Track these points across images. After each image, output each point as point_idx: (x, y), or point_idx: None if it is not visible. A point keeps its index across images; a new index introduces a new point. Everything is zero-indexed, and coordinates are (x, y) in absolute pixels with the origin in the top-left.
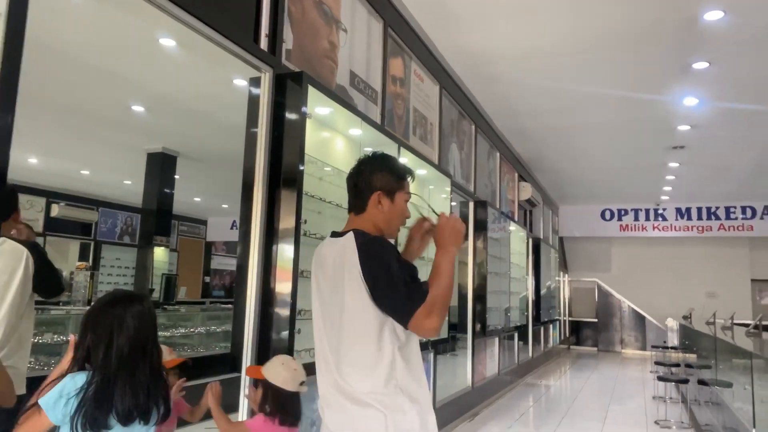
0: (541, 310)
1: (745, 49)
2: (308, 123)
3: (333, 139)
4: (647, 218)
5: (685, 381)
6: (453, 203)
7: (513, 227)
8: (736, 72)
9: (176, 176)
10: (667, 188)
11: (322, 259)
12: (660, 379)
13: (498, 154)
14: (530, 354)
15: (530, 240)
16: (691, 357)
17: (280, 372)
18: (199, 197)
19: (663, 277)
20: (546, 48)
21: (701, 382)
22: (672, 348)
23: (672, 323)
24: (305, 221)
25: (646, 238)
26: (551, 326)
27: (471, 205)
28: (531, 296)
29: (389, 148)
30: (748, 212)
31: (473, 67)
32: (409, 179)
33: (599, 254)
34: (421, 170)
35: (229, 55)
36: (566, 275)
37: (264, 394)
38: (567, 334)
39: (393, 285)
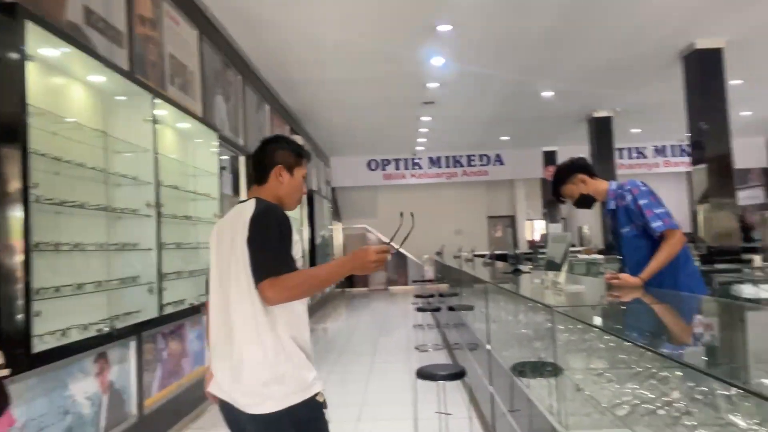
0: (317, 258)
1: (482, 15)
2: (31, 66)
3: (69, 87)
4: (406, 167)
5: (438, 309)
6: (223, 157)
7: None
8: (475, 36)
9: None
10: (422, 140)
11: (224, 223)
12: (418, 309)
13: (268, 107)
14: (308, 300)
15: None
16: (444, 287)
17: None
18: None
19: (420, 219)
20: None
21: (450, 309)
22: (429, 281)
23: (427, 259)
24: (36, 184)
25: (406, 186)
26: None
27: (242, 159)
28: (307, 245)
29: (141, 98)
30: (485, 159)
31: (234, 12)
32: (304, 161)
33: (367, 202)
34: (184, 123)
35: None
36: (339, 223)
37: None
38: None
39: (266, 244)
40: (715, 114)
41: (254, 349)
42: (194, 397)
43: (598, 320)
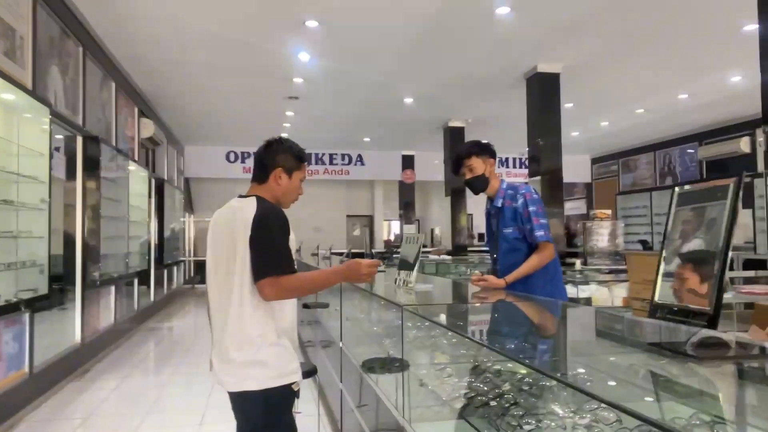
0: (165, 253)
1: (349, 15)
2: None
3: None
4: None
5: None
6: (57, 136)
7: (133, 167)
8: (342, 34)
9: None
10: (284, 135)
11: (220, 217)
12: None
13: (114, 85)
14: (152, 298)
15: (153, 181)
16: None
17: None
18: None
19: None
20: None
21: (305, 306)
22: None
23: None
24: None
25: None
26: (175, 268)
27: (79, 140)
28: (154, 239)
29: None
30: (346, 159)
31: None
32: (304, 165)
33: (224, 195)
34: (7, 94)
35: None
36: (191, 216)
37: None
38: (192, 274)
39: (268, 244)
40: (551, 132)
41: (243, 336)
42: (10, 405)
43: (443, 318)
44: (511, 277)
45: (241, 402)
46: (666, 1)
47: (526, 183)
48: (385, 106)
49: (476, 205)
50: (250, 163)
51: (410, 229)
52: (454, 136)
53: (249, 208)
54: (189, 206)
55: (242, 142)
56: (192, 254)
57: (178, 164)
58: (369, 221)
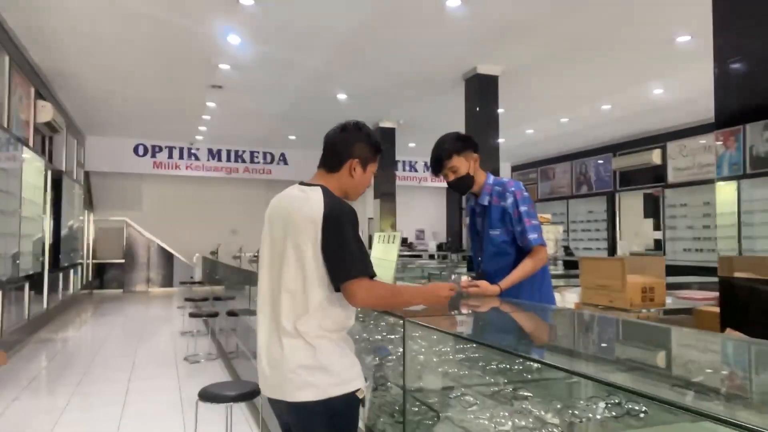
0: (61, 254)
1: None
2: None
3: None
4: (181, 157)
5: (215, 315)
6: None
7: (27, 155)
8: (279, 17)
9: None
10: (203, 128)
11: (280, 207)
12: (192, 315)
13: (7, 59)
14: (45, 305)
15: (50, 173)
16: (218, 289)
17: None
18: None
19: (192, 215)
20: None
21: (231, 314)
22: (199, 283)
23: (198, 259)
24: None
25: (179, 177)
26: (72, 271)
27: None
28: (49, 239)
29: None
30: (269, 158)
31: None
32: (379, 157)
33: (130, 192)
34: None
35: None
36: (92, 214)
37: None
38: (90, 278)
39: (346, 246)
40: (488, 137)
41: (300, 341)
42: None
43: (463, 331)
44: (506, 282)
45: (299, 415)
46: (608, 9)
47: (513, 179)
48: (316, 102)
49: (412, 205)
50: (161, 158)
51: None
52: (384, 137)
53: (314, 201)
54: (89, 203)
55: (154, 135)
56: (91, 257)
57: (78, 155)
58: None
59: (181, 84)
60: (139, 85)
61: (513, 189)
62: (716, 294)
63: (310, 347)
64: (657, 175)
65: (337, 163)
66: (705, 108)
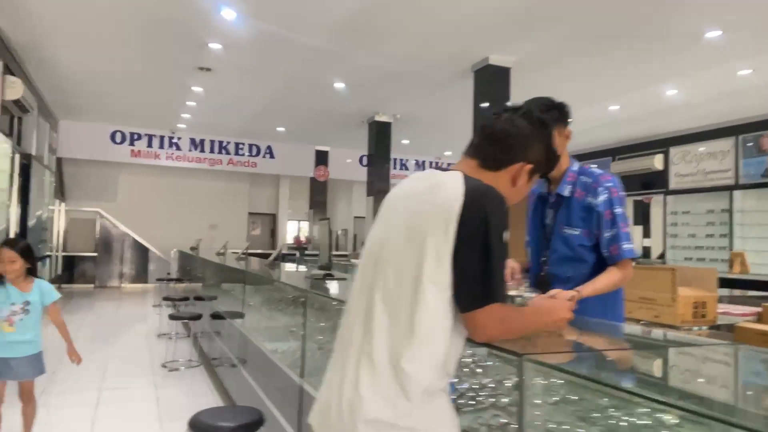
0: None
1: None
2: None
3: None
4: (162, 146)
5: (198, 317)
6: None
7: None
8: None
9: None
10: (186, 115)
11: (399, 197)
12: (172, 317)
13: None
14: None
15: (17, 156)
16: (196, 286)
17: None
18: None
19: (171, 208)
20: None
21: (216, 316)
22: (177, 280)
23: (176, 255)
24: None
25: (159, 167)
26: (40, 264)
27: None
28: (15, 229)
29: None
30: (255, 150)
31: None
32: None
33: (106, 182)
34: None
35: None
36: (62, 204)
37: None
38: (59, 272)
39: (489, 254)
40: None
41: (391, 382)
42: None
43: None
44: (588, 290)
45: None
46: None
47: (609, 172)
48: (310, 89)
49: None
50: (140, 146)
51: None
52: (379, 131)
53: (449, 187)
54: (60, 191)
55: (133, 121)
56: (61, 249)
57: (51, 140)
58: (272, 220)
59: (165, 65)
60: (118, 63)
61: (609, 185)
62: (755, 309)
63: (403, 395)
64: (652, 181)
65: (503, 161)
66: (714, 112)
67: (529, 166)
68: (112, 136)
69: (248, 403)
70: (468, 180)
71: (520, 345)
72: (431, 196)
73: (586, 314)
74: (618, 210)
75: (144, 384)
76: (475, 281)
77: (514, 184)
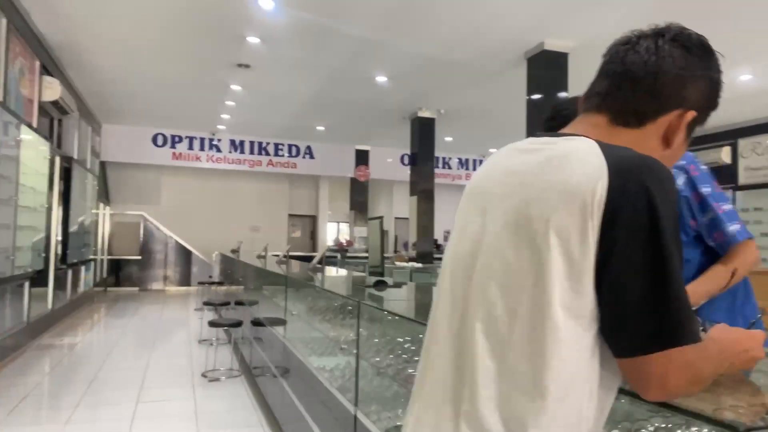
0: (70, 250)
1: None
2: None
3: None
4: (202, 148)
5: (238, 324)
6: None
7: (28, 135)
8: None
9: None
10: (226, 116)
11: (503, 165)
12: (212, 324)
13: (4, 21)
14: (50, 305)
15: (58, 159)
16: (237, 290)
17: None
18: None
19: (212, 210)
20: None
21: (256, 323)
22: (219, 283)
23: (217, 257)
24: None
25: (200, 170)
26: (83, 268)
27: None
28: (57, 233)
29: None
30: (294, 151)
31: None
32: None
33: (149, 185)
34: None
35: None
36: (107, 207)
37: None
38: (104, 275)
39: (660, 265)
40: None
41: None
42: None
43: None
44: (697, 295)
45: None
46: None
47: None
48: (350, 84)
49: (444, 206)
50: (181, 148)
51: (362, 231)
52: (423, 128)
53: (583, 161)
54: (105, 195)
55: (173, 123)
56: (106, 252)
57: (93, 144)
58: (312, 222)
59: (204, 62)
60: (156, 63)
61: (683, 162)
62: None
63: None
64: (720, 176)
65: (650, 110)
66: None
67: (690, 114)
68: (154, 139)
69: (292, 424)
70: (608, 148)
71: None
72: (552, 175)
73: (715, 318)
74: (705, 189)
75: (183, 395)
76: (644, 310)
77: (668, 145)
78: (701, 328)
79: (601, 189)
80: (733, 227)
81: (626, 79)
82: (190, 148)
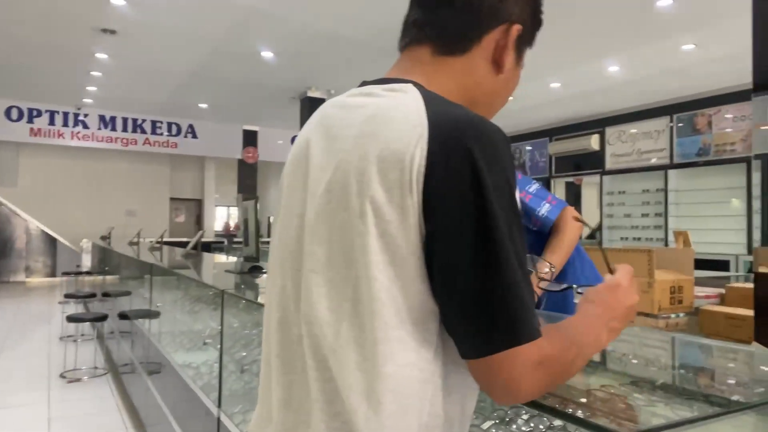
0: None
1: None
2: None
3: None
4: (65, 124)
5: (103, 318)
6: None
7: None
8: None
9: None
10: (92, 88)
11: (324, 125)
12: (71, 319)
13: None
14: None
15: None
16: (110, 280)
17: None
18: None
19: (81, 193)
20: None
21: (122, 316)
22: (87, 273)
23: (87, 245)
24: None
25: (64, 148)
26: None
27: None
28: None
29: None
30: (174, 129)
31: None
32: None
33: (3, 164)
34: None
35: None
36: None
37: None
38: None
39: (491, 246)
40: None
41: None
42: None
43: None
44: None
45: None
46: None
47: None
48: (235, 58)
49: None
50: (40, 123)
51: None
52: (313, 109)
53: (402, 118)
54: None
55: (29, 95)
56: None
57: None
58: (197, 206)
59: (62, 23)
60: (5, 21)
61: None
62: (718, 290)
63: None
64: (588, 162)
65: (473, 30)
66: (651, 91)
67: (516, 28)
68: (8, 113)
69: (156, 427)
70: (433, 104)
71: None
72: (370, 139)
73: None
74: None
75: (35, 400)
76: (477, 303)
77: (500, 68)
78: (578, 290)
79: (419, 157)
80: (542, 210)
81: (442, 1)
82: (52, 123)
